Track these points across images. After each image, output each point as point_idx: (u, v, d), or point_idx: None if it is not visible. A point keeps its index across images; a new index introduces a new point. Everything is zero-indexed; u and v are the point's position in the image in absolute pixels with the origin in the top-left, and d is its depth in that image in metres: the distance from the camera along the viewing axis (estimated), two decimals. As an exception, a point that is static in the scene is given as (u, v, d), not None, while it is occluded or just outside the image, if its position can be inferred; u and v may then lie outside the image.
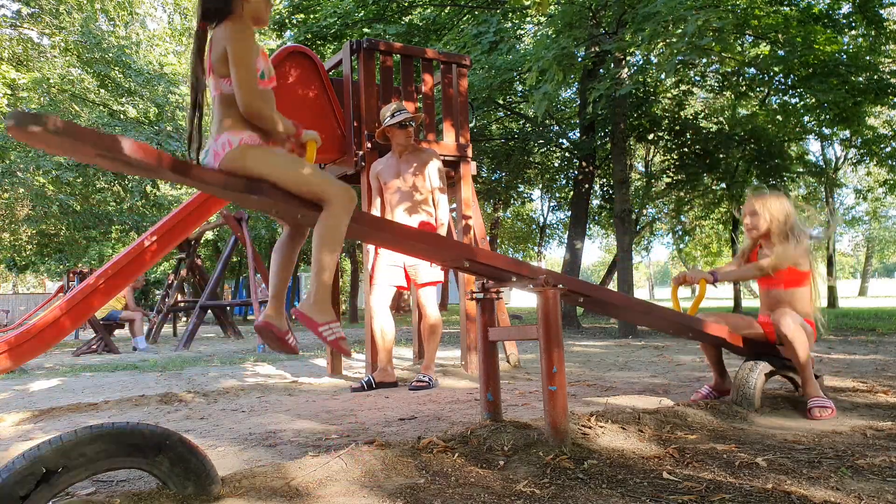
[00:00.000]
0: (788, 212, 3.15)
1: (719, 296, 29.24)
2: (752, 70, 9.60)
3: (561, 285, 2.34)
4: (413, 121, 4.35)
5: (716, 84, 12.26)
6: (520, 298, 36.01)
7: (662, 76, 8.53)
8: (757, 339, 3.18)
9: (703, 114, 14.37)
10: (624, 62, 9.03)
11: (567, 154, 14.16)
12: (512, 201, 19.65)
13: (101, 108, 15.35)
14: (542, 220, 23.67)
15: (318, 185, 2.04)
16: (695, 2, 6.47)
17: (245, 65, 2.00)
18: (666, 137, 12.30)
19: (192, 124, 2.12)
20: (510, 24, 10.85)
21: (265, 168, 2.01)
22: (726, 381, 3.30)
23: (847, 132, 11.68)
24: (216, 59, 2.05)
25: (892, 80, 7.63)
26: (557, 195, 19.66)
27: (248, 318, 20.17)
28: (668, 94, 12.36)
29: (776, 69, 8.15)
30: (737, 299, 16.91)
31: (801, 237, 3.12)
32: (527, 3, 10.11)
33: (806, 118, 10.30)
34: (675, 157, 12.18)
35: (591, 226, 21.04)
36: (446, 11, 10.82)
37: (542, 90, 7.35)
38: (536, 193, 21.97)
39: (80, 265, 15.66)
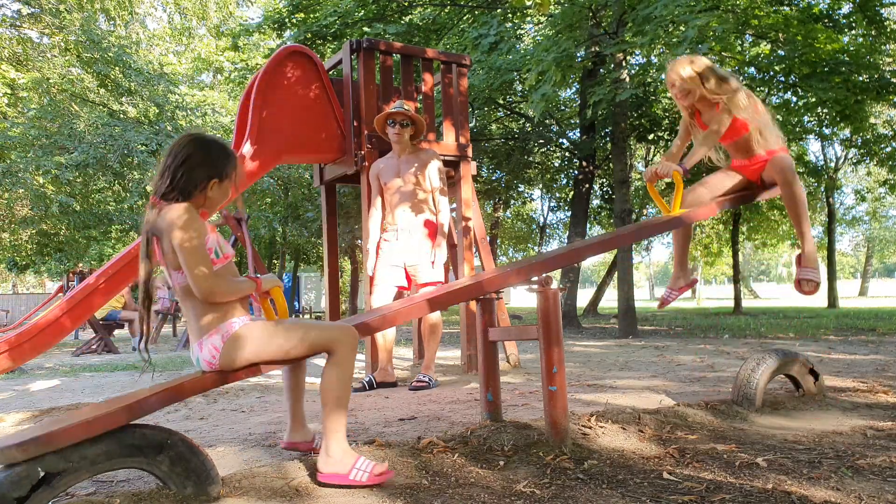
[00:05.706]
0: (694, 66, 2.98)
1: (720, 296, 29.20)
2: (753, 70, 9.58)
3: (556, 282, 2.36)
4: (406, 121, 4.30)
5: (715, 84, 12.26)
6: (520, 298, 36.04)
7: (662, 77, 8.51)
8: (739, 185, 3.19)
9: (703, 114, 14.35)
10: (624, 62, 9.02)
11: (567, 154, 14.16)
12: (512, 201, 19.65)
13: (101, 107, 15.33)
14: (542, 220, 23.68)
15: (318, 341, 2.00)
16: (695, 4, 6.45)
17: (196, 255, 1.87)
18: (666, 137, 12.30)
19: (143, 322, 1.97)
20: (510, 25, 10.84)
21: (262, 350, 1.96)
22: (686, 274, 3.36)
23: (847, 131, 11.66)
24: (167, 249, 1.91)
25: (893, 80, 7.61)
26: (557, 195, 19.66)
27: (248, 317, 20.12)
28: (669, 94, 12.35)
29: (777, 68, 8.14)
30: (737, 299, 16.92)
31: (721, 84, 2.94)
32: (528, 3, 10.09)
33: (806, 118, 10.28)
34: (676, 157, 12.17)
35: (591, 226, 21.03)
36: (446, 11, 10.81)
37: (540, 91, 7.33)
38: (536, 193, 21.98)
39: (80, 265, 15.64)
